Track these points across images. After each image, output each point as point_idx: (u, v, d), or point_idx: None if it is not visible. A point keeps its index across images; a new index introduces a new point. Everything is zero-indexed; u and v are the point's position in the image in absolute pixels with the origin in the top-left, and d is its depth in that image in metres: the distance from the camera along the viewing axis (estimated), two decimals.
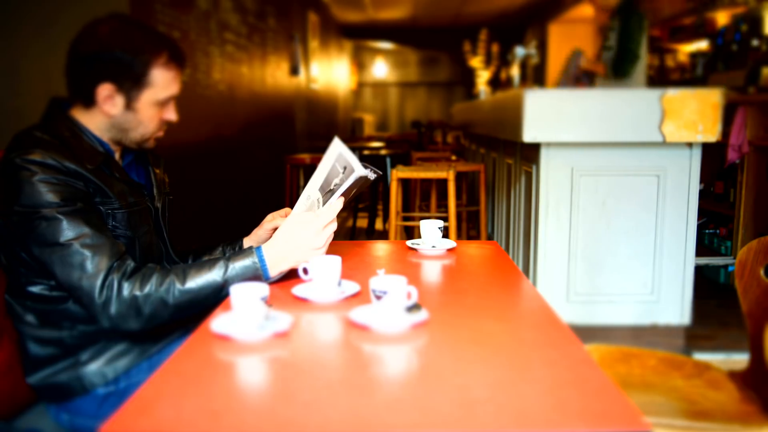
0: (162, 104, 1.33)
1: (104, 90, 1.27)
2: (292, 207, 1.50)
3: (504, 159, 3.51)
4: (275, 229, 1.49)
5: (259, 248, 1.28)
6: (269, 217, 1.53)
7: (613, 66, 3.73)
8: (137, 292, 1.20)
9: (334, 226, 1.32)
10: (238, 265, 1.26)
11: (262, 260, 1.27)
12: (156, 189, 1.47)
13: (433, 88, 12.45)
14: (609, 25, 3.85)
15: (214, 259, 1.28)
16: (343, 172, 1.34)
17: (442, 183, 3.64)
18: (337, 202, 1.32)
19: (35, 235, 1.19)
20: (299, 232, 1.28)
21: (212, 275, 1.24)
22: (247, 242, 1.55)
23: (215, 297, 1.24)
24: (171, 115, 1.37)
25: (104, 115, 1.31)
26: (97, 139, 1.33)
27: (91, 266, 1.19)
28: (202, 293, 1.23)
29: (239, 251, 1.30)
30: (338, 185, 1.34)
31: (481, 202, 3.48)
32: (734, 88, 4.00)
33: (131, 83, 1.28)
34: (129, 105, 1.30)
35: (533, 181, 2.76)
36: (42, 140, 1.24)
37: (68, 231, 1.19)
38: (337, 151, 1.35)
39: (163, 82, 1.31)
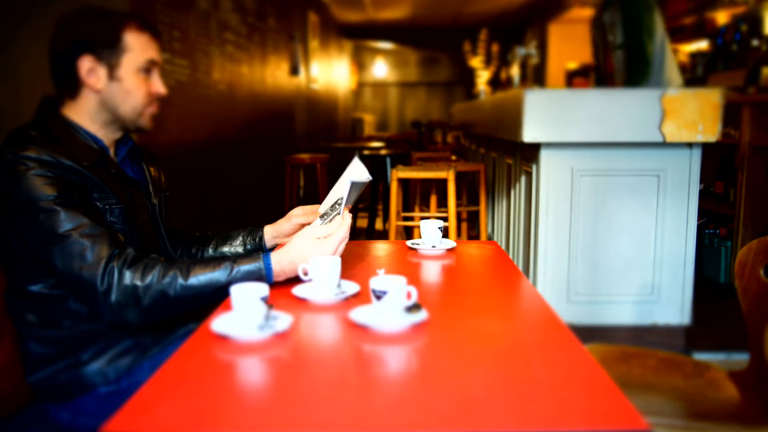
0: (145, 71, 1.34)
1: (85, 63, 1.29)
2: (291, 208, 1.50)
3: (504, 159, 3.51)
4: (301, 225, 1.49)
5: (267, 255, 1.27)
6: (298, 210, 1.51)
7: (625, 73, 3.09)
8: (138, 282, 1.19)
9: (339, 237, 1.28)
10: (244, 268, 1.25)
11: (268, 267, 1.26)
12: (151, 186, 1.47)
13: (433, 88, 12.45)
14: (603, 17, 3.17)
15: (221, 258, 1.27)
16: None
17: (442, 183, 3.64)
18: (346, 219, 1.30)
19: (34, 229, 1.19)
20: (307, 244, 1.27)
21: (216, 275, 1.24)
22: (268, 230, 1.56)
23: (217, 296, 1.24)
24: (159, 87, 1.38)
25: (92, 94, 1.32)
26: (91, 136, 1.33)
27: (92, 255, 1.18)
28: (204, 291, 1.23)
29: (247, 254, 1.29)
30: (342, 198, 1.35)
31: (481, 202, 3.47)
32: (734, 88, 4.00)
33: (109, 50, 1.30)
34: (112, 74, 1.31)
35: (533, 181, 2.76)
36: (37, 138, 1.24)
37: (66, 222, 1.19)
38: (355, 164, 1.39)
39: (138, 45, 1.32)
